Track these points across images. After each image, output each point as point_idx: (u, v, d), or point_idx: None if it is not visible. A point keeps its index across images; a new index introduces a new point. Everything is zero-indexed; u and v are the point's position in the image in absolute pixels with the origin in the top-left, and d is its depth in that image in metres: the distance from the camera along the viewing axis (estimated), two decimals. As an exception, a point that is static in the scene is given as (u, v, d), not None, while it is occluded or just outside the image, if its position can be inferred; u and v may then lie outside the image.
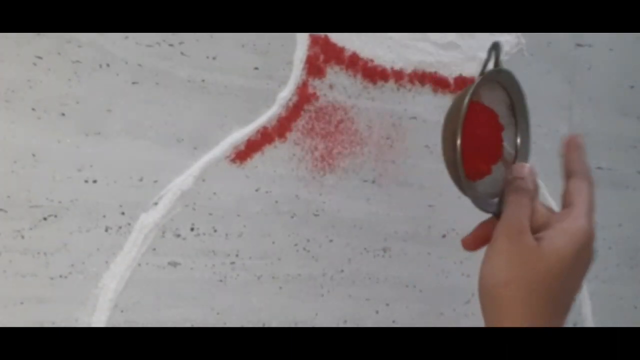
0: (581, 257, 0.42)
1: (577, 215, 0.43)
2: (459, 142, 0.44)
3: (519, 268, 0.42)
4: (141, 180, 0.47)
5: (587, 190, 0.45)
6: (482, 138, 0.48)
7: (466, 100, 0.44)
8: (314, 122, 0.53)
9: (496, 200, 0.48)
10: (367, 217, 0.56)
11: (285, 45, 0.52)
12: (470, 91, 0.45)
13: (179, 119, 0.49)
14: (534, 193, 0.46)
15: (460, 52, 0.60)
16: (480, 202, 0.47)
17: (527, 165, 0.48)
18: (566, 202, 0.45)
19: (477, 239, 0.47)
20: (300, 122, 0.53)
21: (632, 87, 0.72)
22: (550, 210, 0.46)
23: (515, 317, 0.41)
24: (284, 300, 0.53)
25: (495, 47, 0.47)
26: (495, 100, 0.49)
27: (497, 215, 0.46)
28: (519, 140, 0.50)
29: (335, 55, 0.54)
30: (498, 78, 0.49)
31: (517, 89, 0.49)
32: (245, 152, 0.51)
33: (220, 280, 0.51)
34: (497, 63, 0.48)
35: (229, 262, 0.51)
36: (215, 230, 0.50)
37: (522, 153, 0.50)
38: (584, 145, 0.48)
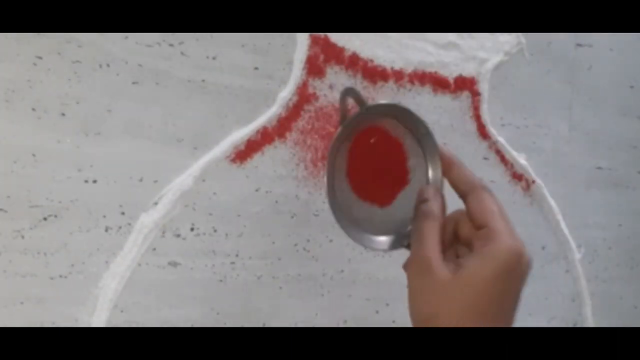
0: (510, 277, 0.39)
1: (497, 235, 0.40)
2: (327, 177, 0.44)
3: (439, 302, 0.39)
4: (141, 180, 0.47)
5: (494, 203, 0.42)
6: (379, 164, 0.47)
7: (330, 147, 0.43)
8: (314, 122, 0.53)
9: (389, 237, 0.46)
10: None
11: (285, 45, 0.52)
12: (334, 139, 0.44)
13: (179, 119, 0.49)
14: (440, 215, 0.43)
15: (460, 52, 0.60)
16: (380, 243, 0.45)
17: (432, 186, 0.45)
18: (478, 222, 0.41)
19: None
20: (300, 122, 0.53)
21: (632, 87, 0.73)
22: (470, 216, 0.43)
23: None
24: (284, 300, 0.53)
25: (348, 92, 0.45)
26: (400, 134, 0.47)
27: (408, 247, 0.44)
28: (430, 171, 0.47)
29: (335, 55, 0.54)
30: (379, 112, 0.46)
31: (411, 118, 0.46)
32: (245, 152, 0.51)
33: (220, 280, 0.51)
34: (360, 102, 0.45)
35: (229, 262, 0.51)
36: (215, 230, 0.50)
37: (434, 179, 0.47)
38: (460, 160, 0.45)
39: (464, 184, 0.44)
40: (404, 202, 0.46)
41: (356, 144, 0.46)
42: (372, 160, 0.46)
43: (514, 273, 0.40)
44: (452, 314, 0.39)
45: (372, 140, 0.46)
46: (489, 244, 0.40)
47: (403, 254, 0.51)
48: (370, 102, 0.45)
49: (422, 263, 0.41)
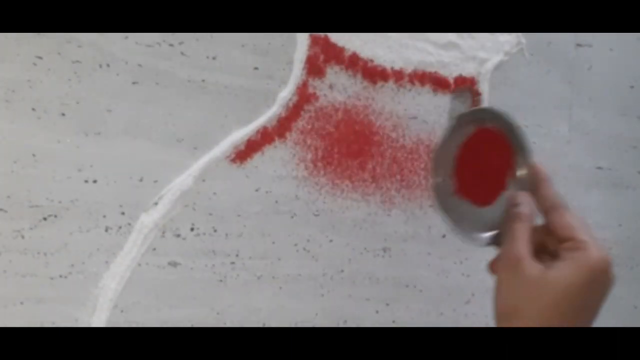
0: (594, 287, 0.41)
1: (586, 245, 0.41)
2: (439, 180, 0.47)
3: (523, 298, 0.41)
4: (141, 180, 0.47)
5: (577, 219, 0.44)
6: (486, 165, 0.49)
7: (445, 142, 0.47)
8: (314, 122, 0.53)
9: (491, 233, 0.47)
10: (367, 217, 0.56)
11: (285, 45, 0.52)
12: (447, 133, 0.46)
13: (179, 119, 0.49)
14: (531, 218, 0.45)
15: (460, 52, 0.60)
16: (476, 239, 0.47)
17: (524, 193, 0.47)
18: (564, 236, 0.43)
19: None
20: (300, 122, 0.53)
21: (632, 87, 0.73)
22: (554, 232, 0.45)
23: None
24: (284, 300, 0.53)
25: (465, 93, 0.48)
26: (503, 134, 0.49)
27: (499, 245, 0.46)
28: (518, 173, 0.49)
29: (335, 55, 0.54)
30: (481, 117, 0.49)
31: (506, 120, 0.48)
32: (245, 152, 0.51)
33: (220, 280, 0.51)
34: (475, 103, 0.48)
35: (229, 262, 0.51)
36: (215, 230, 0.50)
37: (521, 185, 0.49)
38: (548, 177, 0.47)
39: (548, 200, 0.46)
40: (496, 206, 0.48)
41: (468, 145, 0.48)
42: (478, 163, 0.49)
43: (601, 283, 0.41)
44: (533, 310, 0.40)
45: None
46: (577, 252, 0.41)
47: (403, 255, 0.52)
48: (476, 107, 0.48)
49: (512, 260, 0.43)
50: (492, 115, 0.48)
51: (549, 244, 0.45)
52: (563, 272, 0.41)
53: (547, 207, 0.46)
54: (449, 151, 0.48)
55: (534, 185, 0.47)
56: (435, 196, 0.48)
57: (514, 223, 0.45)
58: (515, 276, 0.42)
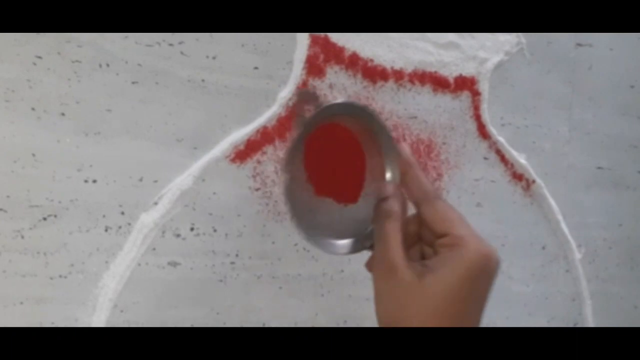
0: (476, 283, 0.39)
1: (462, 241, 0.39)
2: (286, 176, 0.42)
3: (404, 306, 0.39)
4: (141, 180, 0.47)
5: (451, 211, 0.42)
6: (338, 162, 0.46)
7: (287, 151, 0.42)
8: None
9: (348, 240, 0.45)
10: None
11: (285, 45, 0.52)
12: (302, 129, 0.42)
13: (179, 119, 0.48)
14: (402, 214, 0.42)
15: (460, 52, 0.60)
16: (343, 247, 0.44)
17: (392, 183, 0.44)
18: (438, 231, 0.41)
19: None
20: (300, 122, 0.53)
21: (632, 87, 0.72)
22: (427, 225, 0.42)
23: None
24: (284, 300, 0.53)
25: (302, 95, 0.44)
26: (355, 126, 0.46)
27: (371, 248, 0.43)
28: (388, 169, 0.46)
29: (335, 55, 0.54)
30: (337, 112, 0.45)
31: (365, 113, 0.45)
32: (245, 152, 0.51)
33: (220, 280, 0.51)
34: (316, 102, 0.44)
35: (229, 262, 0.51)
36: (215, 230, 0.50)
37: (393, 177, 0.46)
38: (417, 163, 0.44)
39: (417, 190, 0.43)
40: (363, 202, 0.45)
41: (314, 144, 0.45)
42: (331, 159, 0.46)
43: (482, 276, 0.39)
44: (418, 316, 0.38)
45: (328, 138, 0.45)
46: (454, 250, 0.39)
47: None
48: (326, 102, 0.44)
49: (386, 265, 0.40)
50: (347, 108, 0.45)
51: (425, 234, 0.42)
52: (440, 275, 0.39)
53: (418, 198, 0.43)
54: (299, 151, 0.44)
55: (402, 169, 0.44)
56: (287, 197, 0.43)
57: (384, 223, 0.42)
58: (391, 284, 0.40)
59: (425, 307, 0.38)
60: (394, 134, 0.44)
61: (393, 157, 0.45)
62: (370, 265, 0.44)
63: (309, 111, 0.44)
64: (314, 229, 0.44)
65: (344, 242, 0.45)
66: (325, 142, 0.45)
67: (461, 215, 0.41)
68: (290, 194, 0.43)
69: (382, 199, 0.43)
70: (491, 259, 0.39)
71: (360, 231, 0.45)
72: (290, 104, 0.52)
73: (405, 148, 0.45)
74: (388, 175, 0.45)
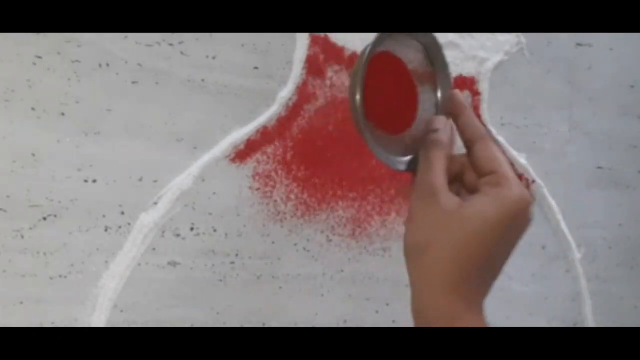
0: (512, 225, 0.39)
1: (507, 182, 0.39)
2: (358, 97, 0.41)
3: (436, 232, 0.39)
4: (141, 180, 0.47)
5: (501, 152, 0.42)
6: (391, 92, 0.46)
7: (367, 51, 0.41)
8: (314, 121, 0.53)
9: (408, 158, 0.44)
10: (367, 217, 0.56)
11: (285, 45, 0.52)
12: (372, 43, 0.41)
13: (179, 119, 0.48)
14: (448, 146, 0.42)
15: (461, 52, 0.60)
16: (393, 161, 0.44)
17: (443, 118, 0.44)
18: (485, 169, 0.41)
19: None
20: (301, 122, 0.53)
21: (632, 87, 0.72)
22: (475, 163, 0.42)
23: (435, 281, 0.38)
24: (284, 300, 0.53)
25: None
26: (411, 57, 0.46)
27: (414, 173, 0.43)
28: (439, 95, 0.46)
29: (335, 55, 0.54)
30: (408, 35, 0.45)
31: (432, 40, 0.46)
32: (245, 152, 0.51)
33: (220, 280, 0.51)
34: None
35: (229, 262, 0.51)
36: (215, 230, 0.50)
37: (443, 109, 0.46)
38: (470, 107, 0.44)
39: (471, 131, 0.43)
40: (413, 130, 0.45)
41: (370, 75, 0.44)
42: (384, 91, 0.45)
43: (518, 221, 0.40)
44: (444, 246, 0.38)
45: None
46: (498, 188, 0.39)
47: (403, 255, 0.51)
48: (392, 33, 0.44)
49: (427, 188, 0.40)
50: (412, 36, 0.45)
51: (468, 175, 0.42)
52: (480, 208, 0.39)
53: (470, 136, 0.43)
54: (363, 70, 0.43)
55: (455, 112, 0.44)
56: (355, 115, 0.42)
57: (431, 151, 0.42)
58: (429, 208, 0.40)
59: (457, 235, 0.38)
60: (451, 73, 0.45)
61: (446, 95, 0.45)
62: (405, 192, 0.44)
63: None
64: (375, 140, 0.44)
65: (398, 159, 0.45)
66: (381, 74, 0.45)
67: (508, 159, 0.42)
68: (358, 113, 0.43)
69: (431, 130, 0.43)
70: (529, 207, 0.40)
71: (405, 153, 0.45)
72: (291, 104, 0.52)
73: (459, 92, 0.45)
74: (439, 109, 0.46)
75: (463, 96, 0.45)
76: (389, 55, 0.45)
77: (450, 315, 0.38)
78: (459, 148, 0.44)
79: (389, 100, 0.46)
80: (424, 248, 0.39)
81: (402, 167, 0.44)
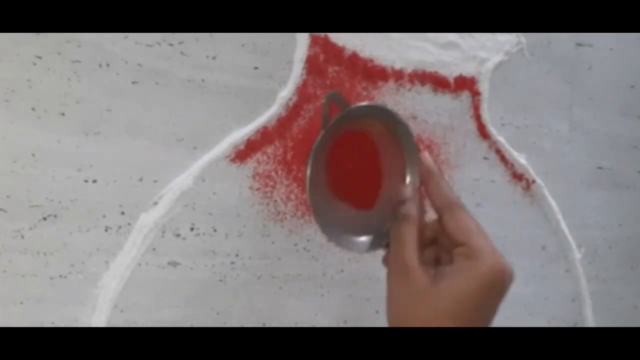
0: (487, 297, 0.39)
1: (478, 253, 0.40)
2: (308, 171, 0.43)
3: (412, 309, 0.40)
4: (141, 180, 0.47)
5: (471, 221, 0.42)
6: (357, 168, 0.46)
7: (312, 151, 0.42)
8: (314, 122, 0.53)
9: (366, 238, 0.45)
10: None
11: (285, 45, 0.52)
12: (318, 140, 0.43)
13: (179, 119, 0.49)
14: (418, 218, 0.43)
15: (460, 52, 0.60)
16: (360, 246, 0.45)
17: (411, 185, 0.45)
18: (457, 240, 0.41)
19: None
20: (301, 122, 0.53)
21: (632, 87, 0.73)
22: (446, 233, 0.42)
23: None
24: (284, 300, 0.53)
25: (331, 97, 0.44)
26: (374, 129, 0.47)
27: (387, 247, 0.44)
28: (408, 173, 0.46)
29: (335, 55, 0.54)
30: (361, 114, 0.46)
31: (384, 110, 0.46)
32: (245, 152, 0.51)
33: (220, 280, 0.51)
34: (343, 106, 0.44)
35: (229, 262, 0.51)
36: (215, 230, 0.50)
37: (412, 175, 0.46)
38: (439, 171, 0.45)
39: (439, 198, 0.43)
40: (382, 203, 0.46)
41: (335, 148, 0.46)
42: (350, 164, 0.46)
43: (495, 289, 0.40)
44: (427, 319, 0.39)
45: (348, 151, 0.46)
46: (470, 260, 0.40)
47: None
48: (351, 105, 0.45)
49: (401, 266, 0.41)
50: (372, 110, 0.45)
51: (443, 241, 0.43)
52: (452, 283, 0.39)
53: (439, 204, 0.43)
54: (322, 151, 0.45)
55: (423, 178, 0.44)
56: (310, 195, 0.43)
57: (401, 226, 0.42)
58: (403, 285, 0.40)
59: (435, 311, 0.39)
60: (416, 139, 0.44)
61: (414, 162, 0.45)
62: (386, 261, 0.44)
63: (332, 115, 0.44)
64: (332, 226, 0.45)
65: (362, 240, 0.46)
66: (345, 150, 0.46)
67: (480, 227, 0.42)
68: (312, 190, 0.44)
69: (400, 202, 0.43)
70: (505, 274, 0.40)
71: (377, 230, 0.46)
72: (291, 104, 0.52)
73: (427, 156, 0.45)
74: (408, 178, 0.46)
75: (431, 159, 0.44)
76: (354, 132, 0.46)
77: None
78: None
79: (354, 175, 0.46)
80: (405, 323, 0.40)
81: (364, 249, 0.45)
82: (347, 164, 0.46)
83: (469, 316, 0.39)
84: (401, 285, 0.41)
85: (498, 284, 0.40)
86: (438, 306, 0.39)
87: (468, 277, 0.39)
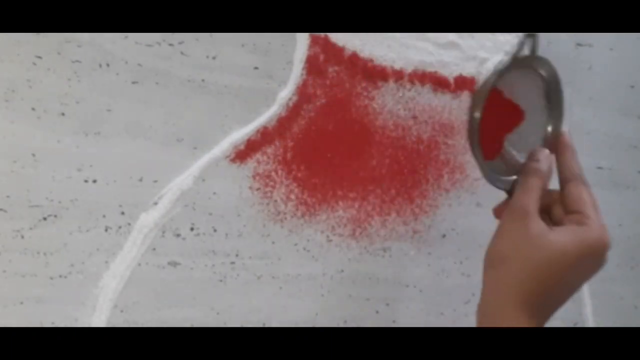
0: (587, 263, 0.42)
1: (591, 224, 0.43)
2: (477, 115, 0.48)
3: (519, 248, 0.42)
4: (141, 180, 0.47)
5: (591, 197, 0.45)
6: (497, 121, 0.51)
7: (492, 80, 0.47)
8: (314, 122, 0.53)
9: (509, 178, 0.49)
10: (367, 217, 0.56)
11: (285, 45, 0.52)
12: (498, 70, 0.48)
13: (179, 119, 0.48)
14: (547, 176, 0.46)
15: (461, 52, 0.60)
16: (492, 179, 0.49)
17: (547, 151, 0.49)
18: (572, 208, 0.45)
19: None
20: (301, 122, 0.53)
21: (632, 87, 0.72)
22: (564, 201, 0.46)
23: (507, 291, 0.41)
24: (284, 300, 0.53)
25: (532, 36, 0.49)
26: (528, 87, 0.51)
27: (510, 193, 0.48)
28: (549, 128, 0.51)
29: (335, 55, 0.54)
30: (533, 64, 0.50)
31: (554, 77, 0.51)
32: (245, 152, 0.51)
33: (220, 280, 0.51)
34: (533, 50, 0.49)
35: (229, 262, 0.51)
36: (215, 230, 0.50)
37: (548, 143, 0.51)
38: (573, 145, 0.49)
39: (568, 171, 0.47)
40: (504, 157, 0.51)
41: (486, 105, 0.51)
42: (489, 120, 0.51)
43: (593, 260, 0.43)
44: (523, 263, 0.41)
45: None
46: (581, 226, 0.43)
47: (403, 255, 0.51)
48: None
49: (520, 210, 0.44)
50: (542, 64, 0.50)
51: (555, 211, 0.46)
52: (562, 239, 0.42)
53: (566, 175, 0.47)
54: (486, 92, 0.50)
55: (559, 150, 0.48)
56: (470, 131, 0.49)
57: (530, 177, 0.46)
58: (517, 228, 0.43)
59: (537, 257, 0.41)
60: (566, 107, 0.49)
61: (556, 132, 0.50)
62: (499, 210, 0.48)
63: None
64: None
65: (508, 179, 0.50)
66: (493, 108, 0.51)
67: (597, 203, 0.45)
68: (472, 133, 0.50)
69: (533, 159, 0.47)
70: (606, 249, 0.43)
71: (504, 175, 0.50)
72: (291, 104, 0.52)
73: (567, 133, 0.50)
74: (549, 134, 0.51)
75: (570, 137, 0.49)
76: (501, 93, 0.51)
77: (512, 326, 0.41)
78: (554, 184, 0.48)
79: (490, 128, 0.52)
80: (504, 259, 0.42)
81: (502, 186, 0.50)
82: (487, 117, 0.51)
83: (569, 273, 0.41)
84: (515, 225, 0.43)
85: (599, 254, 0.43)
86: (546, 254, 0.41)
87: (577, 239, 0.42)
